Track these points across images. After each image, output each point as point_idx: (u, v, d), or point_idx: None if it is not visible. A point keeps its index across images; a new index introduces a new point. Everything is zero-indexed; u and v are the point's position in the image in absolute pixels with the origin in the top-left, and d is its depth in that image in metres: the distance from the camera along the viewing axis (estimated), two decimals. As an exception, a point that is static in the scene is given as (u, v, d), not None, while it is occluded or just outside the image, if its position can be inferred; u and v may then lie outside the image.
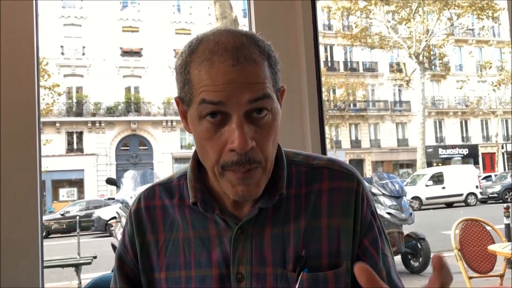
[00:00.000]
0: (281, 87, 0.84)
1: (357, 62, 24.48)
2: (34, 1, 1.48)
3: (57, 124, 21.23)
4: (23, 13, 1.47)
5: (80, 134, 22.18)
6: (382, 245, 0.88)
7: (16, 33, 1.46)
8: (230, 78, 0.73)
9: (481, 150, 25.33)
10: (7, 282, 1.38)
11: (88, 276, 5.96)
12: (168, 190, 0.94)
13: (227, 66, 0.74)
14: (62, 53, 22.26)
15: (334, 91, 22.75)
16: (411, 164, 24.07)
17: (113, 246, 5.80)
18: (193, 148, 0.91)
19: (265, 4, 1.72)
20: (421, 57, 18.63)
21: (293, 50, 1.73)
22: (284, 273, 0.82)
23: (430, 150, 23.59)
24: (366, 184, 0.91)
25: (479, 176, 17.60)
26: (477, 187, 16.39)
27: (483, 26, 22.51)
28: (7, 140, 1.42)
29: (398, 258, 6.57)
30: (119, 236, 2.31)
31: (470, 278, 3.84)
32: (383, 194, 6.89)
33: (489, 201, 16.22)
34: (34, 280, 1.41)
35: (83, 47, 22.61)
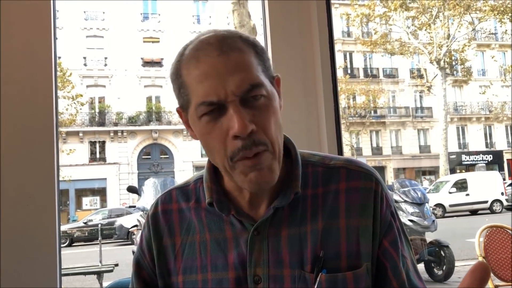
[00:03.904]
0: (275, 75, 0.85)
1: (377, 69, 24.27)
2: (52, 7, 1.51)
3: (80, 134, 21.58)
4: (40, 19, 1.49)
5: (102, 144, 22.49)
6: (401, 246, 0.85)
7: (33, 39, 1.48)
8: (217, 68, 0.75)
9: (506, 156, 24.76)
10: None
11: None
12: (184, 194, 0.94)
13: (212, 57, 0.76)
14: (85, 64, 22.67)
15: (354, 98, 22.59)
16: (433, 171, 23.69)
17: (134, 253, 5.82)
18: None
19: (280, 9, 1.72)
20: (442, 63, 18.36)
21: (309, 54, 1.71)
22: (302, 274, 0.81)
23: (453, 156, 23.18)
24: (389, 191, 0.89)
25: (505, 183, 17.18)
26: (502, 193, 15.99)
27: (506, 30, 22.11)
28: (26, 146, 1.43)
29: (421, 266, 6.43)
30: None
31: (496, 287, 3.75)
32: (405, 201, 6.80)
33: (515, 208, 15.86)
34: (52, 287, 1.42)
35: (105, 58, 22.99)
